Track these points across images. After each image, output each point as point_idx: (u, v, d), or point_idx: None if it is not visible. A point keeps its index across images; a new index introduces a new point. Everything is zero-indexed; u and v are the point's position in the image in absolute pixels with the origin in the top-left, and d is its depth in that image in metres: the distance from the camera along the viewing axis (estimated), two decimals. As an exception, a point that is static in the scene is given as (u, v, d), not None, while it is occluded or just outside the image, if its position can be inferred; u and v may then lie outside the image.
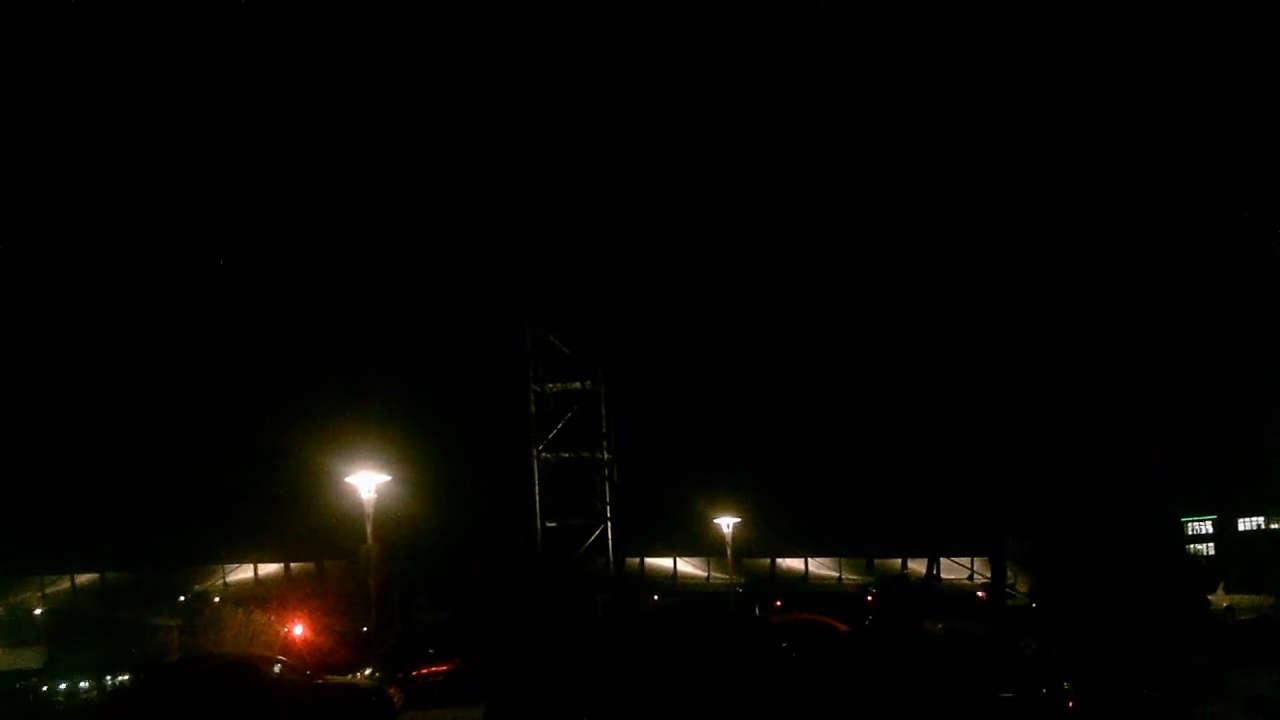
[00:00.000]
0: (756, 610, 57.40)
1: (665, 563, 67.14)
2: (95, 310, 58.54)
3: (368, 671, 39.37)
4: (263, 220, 58.92)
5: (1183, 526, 65.43)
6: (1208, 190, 53.76)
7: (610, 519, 61.29)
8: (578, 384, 61.94)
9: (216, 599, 58.77)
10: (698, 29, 54.85)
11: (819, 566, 66.92)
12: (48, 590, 61.77)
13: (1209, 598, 49.10)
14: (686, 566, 67.12)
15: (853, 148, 57.17)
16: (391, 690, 34.45)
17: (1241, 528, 64.77)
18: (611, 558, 61.05)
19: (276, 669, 32.88)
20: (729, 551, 59.84)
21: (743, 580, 62.58)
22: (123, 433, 57.97)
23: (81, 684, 40.64)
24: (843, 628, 38.84)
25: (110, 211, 58.19)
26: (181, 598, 58.37)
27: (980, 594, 56.11)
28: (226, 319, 58.47)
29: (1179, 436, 57.34)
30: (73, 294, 58.54)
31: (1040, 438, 55.65)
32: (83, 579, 62.20)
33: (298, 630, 48.63)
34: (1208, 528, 65.66)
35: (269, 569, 63.41)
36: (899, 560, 64.27)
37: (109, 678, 42.66)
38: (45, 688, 39.44)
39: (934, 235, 56.35)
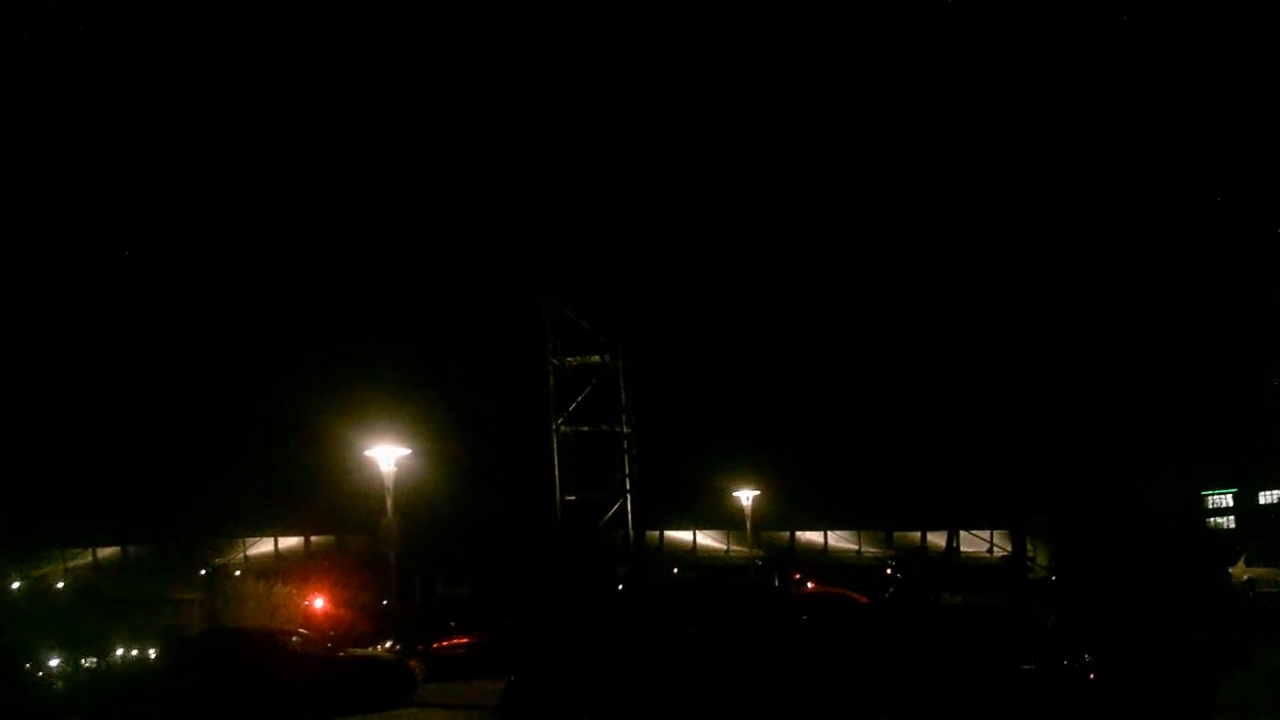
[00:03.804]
0: (776, 582, 57.45)
1: (685, 535, 67.12)
2: (121, 282, 58.69)
3: (388, 644, 39.44)
4: (285, 194, 59.05)
5: (1203, 500, 65.22)
6: (1223, 166, 53.65)
7: (630, 492, 61.29)
8: (597, 357, 61.89)
9: (238, 572, 59.06)
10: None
11: (838, 539, 66.83)
12: (70, 564, 61.95)
13: (1230, 571, 49.05)
14: (706, 539, 67.09)
15: (874, 125, 57.10)
16: (413, 662, 34.52)
17: (1263, 501, 64.60)
18: (631, 531, 61.09)
19: (297, 641, 33.01)
20: (748, 524, 59.86)
21: (762, 553, 62.59)
22: (146, 406, 58.10)
23: (89, 660, 40.87)
24: (862, 600, 38.87)
25: (132, 185, 58.36)
26: (203, 571, 58.59)
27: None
28: (250, 294, 58.55)
29: (1200, 409, 57.15)
30: (100, 266, 58.74)
31: (1061, 411, 55.55)
32: (105, 553, 62.36)
33: (318, 603, 48.84)
34: (1229, 501, 65.47)
35: (289, 542, 63.48)
36: (918, 533, 64.21)
37: (121, 651, 42.93)
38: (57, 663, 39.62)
39: (956, 208, 56.27)
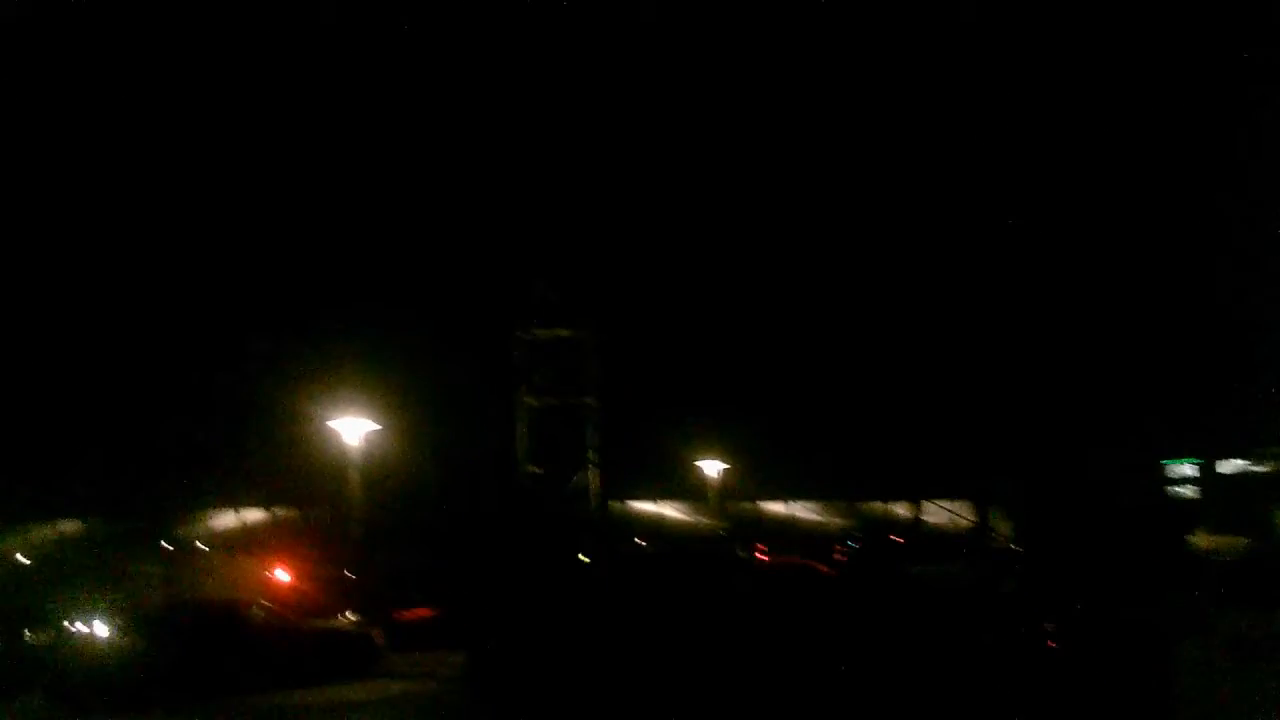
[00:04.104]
0: (739, 553, 57.61)
1: (650, 507, 67.24)
2: (83, 254, 58.35)
3: (351, 615, 39.45)
4: (246, 166, 58.76)
5: (1164, 469, 65.48)
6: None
7: (596, 464, 61.39)
8: (565, 330, 61.93)
9: (200, 544, 58.90)
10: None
11: (803, 511, 67.04)
12: (30, 538, 61.61)
13: (1190, 539, 49.35)
14: (671, 511, 67.23)
15: (829, 94, 57.24)
16: (375, 633, 34.57)
17: (1225, 470, 64.93)
18: (596, 502, 61.24)
19: (260, 612, 32.98)
20: (713, 497, 60.08)
21: (727, 525, 62.75)
22: (110, 378, 57.80)
23: (53, 633, 40.59)
24: (826, 570, 38.98)
25: (93, 155, 58.07)
26: (165, 544, 58.35)
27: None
28: (214, 265, 58.26)
29: (1163, 379, 57.41)
30: (60, 236, 58.37)
31: (1023, 381, 55.84)
32: (67, 526, 62.07)
33: (281, 575, 48.67)
34: (1190, 470, 65.76)
35: (252, 515, 63.30)
36: (882, 504, 64.48)
37: (84, 624, 42.70)
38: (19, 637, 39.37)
39: (915, 174, 56.47)
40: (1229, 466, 63.57)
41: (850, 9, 54.92)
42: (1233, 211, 52.95)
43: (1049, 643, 22.88)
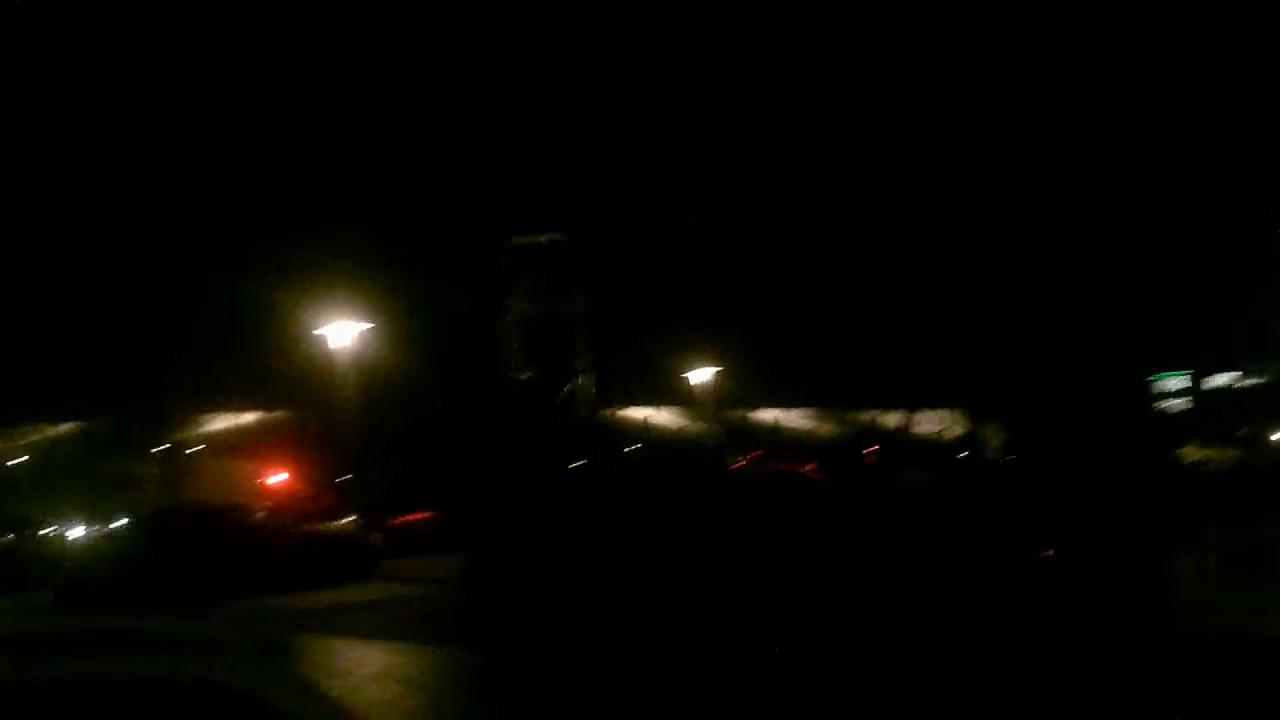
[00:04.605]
0: (728, 460, 57.90)
1: (640, 414, 67.45)
2: (81, 163, 58.29)
3: (349, 519, 39.68)
4: (244, 72, 58.61)
5: (1153, 382, 65.87)
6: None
7: (585, 371, 61.54)
8: (554, 235, 61.82)
9: (196, 448, 59.08)
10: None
11: (795, 418, 67.30)
12: (27, 439, 61.75)
13: (1181, 452, 49.74)
14: (662, 417, 67.45)
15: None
16: (374, 537, 34.80)
17: (1216, 384, 65.23)
18: (590, 409, 61.44)
19: (259, 516, 33.17)
20: (705, 402, 60.29)
21: (719, 431, 63.04)
22: (103, 279, 57.77)
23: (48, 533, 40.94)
24: (817, 477, 39.18)
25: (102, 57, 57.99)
26: (161, 447, 58.53)
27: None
28: (208, 170, 58.14)
29: (1153, 293, 57.62)
30: (60, 144, 58.32)
31: (1015, 292, 55.95)
32: (63, 428, 62.20)
33: (277, 479, 48.91)
34: (1181, 384, 66.11)
35: (248, 418, 63.44)
36: (875, 412, 64.71)
37: (80, 527, 43.01)
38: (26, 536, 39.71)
39: (899, 75, 56.38)
40: (1219, 380, 63.97)
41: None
42: (1228, 126, 52.98)
43: (1040, 553, 23.05)
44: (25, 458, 59.89)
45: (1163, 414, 61.95)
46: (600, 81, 58.74)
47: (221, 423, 63.08)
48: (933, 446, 59.71)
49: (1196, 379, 65.45)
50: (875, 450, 56.27)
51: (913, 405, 62.33)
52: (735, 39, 59.03)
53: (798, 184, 59.78)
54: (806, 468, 52.29)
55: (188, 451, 58.27)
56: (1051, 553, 22.63)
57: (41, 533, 40.56)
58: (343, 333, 38.93)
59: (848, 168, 58.76)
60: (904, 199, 57.85)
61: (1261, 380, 62.47)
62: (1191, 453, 49.51)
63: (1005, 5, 54.26)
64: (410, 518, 40.02)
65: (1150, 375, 64.79)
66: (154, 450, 57.69)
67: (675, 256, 59.82)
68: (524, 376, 61.55)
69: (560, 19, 58.14)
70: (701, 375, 59.92)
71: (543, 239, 62.05)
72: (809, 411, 66.96)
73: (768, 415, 67.53)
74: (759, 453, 53.24)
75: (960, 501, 31.46)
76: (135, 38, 58.09)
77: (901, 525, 23.34)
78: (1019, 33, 54.48)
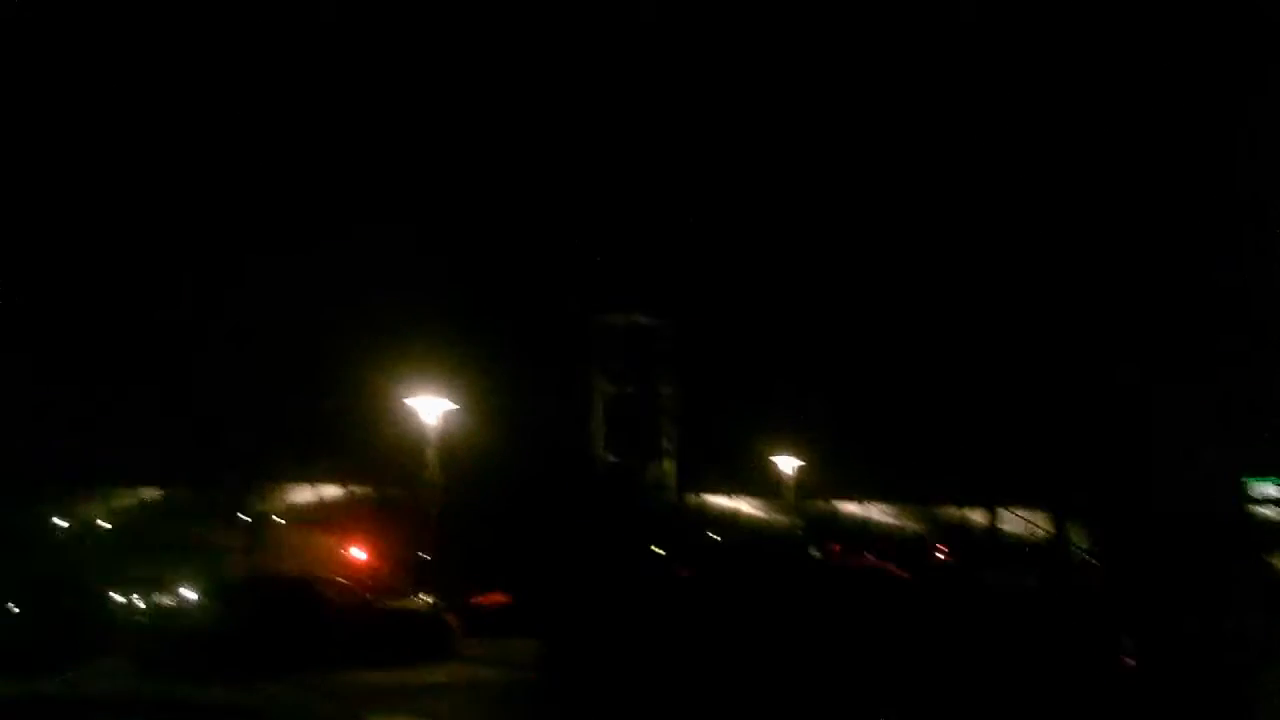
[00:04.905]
0: (814, 553, 57.38)
1: (725, 501, 67.18)
2: (170, 228, 59.05)
3: (427, 597, 39.61)
4: (339, 141, 59.25)
5: (1246, 486, 64.70)
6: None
7: (671, 455, 61.34)
8: (642, 318, 61.90)
9: (279, 519, 59.38)
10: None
11: (878, 512, 66.78)
12: (114, 505, 62.35)
13: (1270, 560, 48.81)
14: (745, 506, 67.14)
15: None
16: (451, 617, 34.68)
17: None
18: (672, 494, 61.17)
19: (337, 590, 33.22)
20: (789, 493, 59.96)
21: (802, 523, 62.60)
22: (191, 348, 58.42)
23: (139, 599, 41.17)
24: (902, 574, 38.72)
25: (172, 108, 58.82)
26: (245, 516, 58.93)
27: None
28: (299, 243, 58.71)
29: (1248, 394, 56.76)
30: (148, 202, 59.11)
31: (1108, 389, 55.31)
32: (148, 494, 62.77)
33: (358, 553, 49.01)
34: (1274, 490, 64.91)
35: (330, 491, 63.75)
36: (958, 509, 64.07)
37: (163, 594, 43.27)
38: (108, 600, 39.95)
39: (999, 190, 56.18)
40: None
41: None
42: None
43: (1125, 659, 22.65)
44: (108, 523, 60.52)
45: (1255, 518, 60.73)
46: (694, 162, 58.97)
47: (304, 495, 63.43)
48: (1017, 545, 58.95)
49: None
50: (945, 549, 55.70)
51: (998, 502, 61.60)
52: (838, 131, 59.12)
53: (890, 280, 59.62)
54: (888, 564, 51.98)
55: (270, 522, 58.57)
56: (1134, 656, 22.22)
57: (122, 598, 40.76)
58: (428, 409, 39.01)
59: (943, 266, 58.56)
60: (998, 296, 57.47)
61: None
62: (1280, 561, 48.63)
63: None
64: (488, 598, 39.92)
65: (1242, 479, 63.67)
66: (236, 519, 58.08)
67: (764, 341, 59.74)
68: (609, 459, 61.43)
69: (650, 102, 58.42)
70: (786, 464, 59.64)
71: (631, 320, 62.16)
72: (891, 506, 66.44)
73: (851, 507, 67.05)
74: (837, 546, 52.83)
75: (1044, 601, 31.01)
76: (243, 102, 59.01)
77: (985, 624, 23.03)
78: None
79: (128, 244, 58.37)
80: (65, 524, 59.82)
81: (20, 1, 55.58)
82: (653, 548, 48.15)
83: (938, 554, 53.55)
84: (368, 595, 35.06)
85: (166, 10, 58.59)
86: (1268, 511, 63.07)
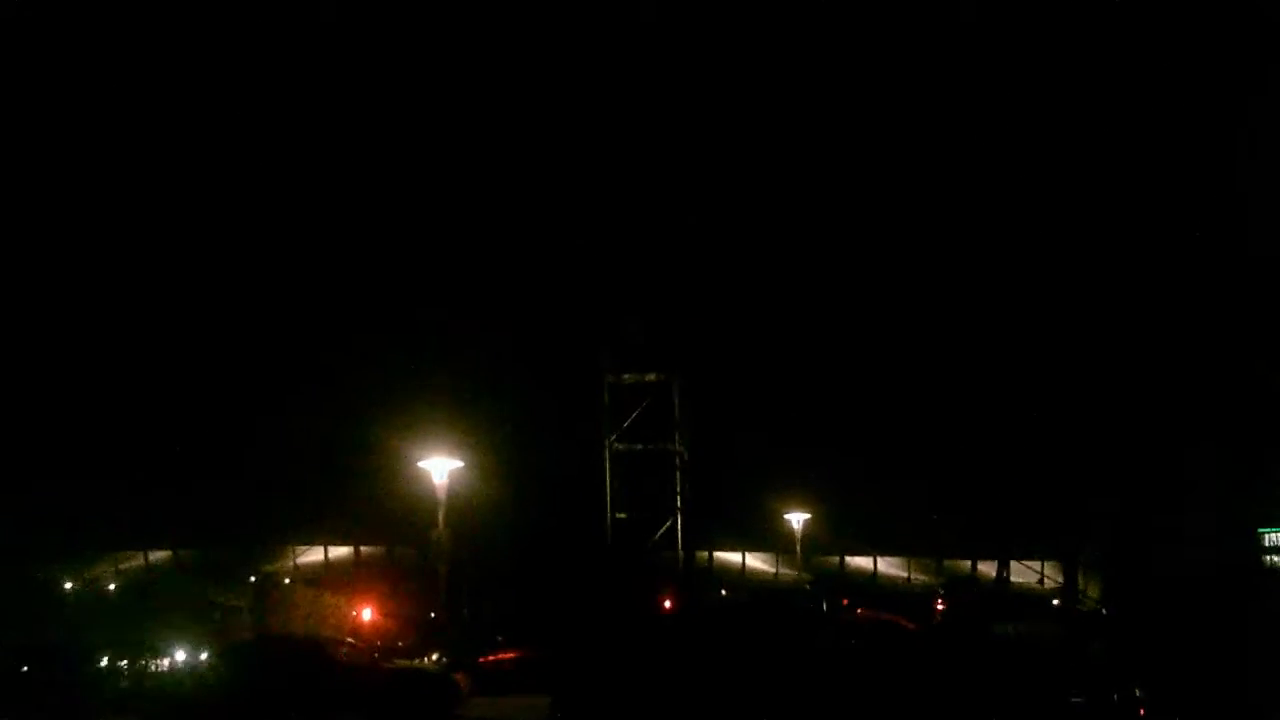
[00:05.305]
0: (824, 607, 57.20)
1: (734, 557, 67.04)
2: (179, 285, 59.24)
3: (435, 657, 39.56)
4: (340, 200, 59.43)
5: (1260, 537, 64.43)
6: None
7: (681, 511, 61.19)
8: (652, 375, 61.85)
9: (286, 580, 59.32)
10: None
11: (887, 566, 66.63)
12: (121, 566, 62.36)
13: (1281, 611, 48.50)
14: (755, 561, 67.02)
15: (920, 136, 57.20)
16: (459, 676, 34.59)
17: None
18: (681, 551, 60.99)
19: (344, 651, 33.14)
20: (798, 548, 59.88)
21: (811, 577, 62.44)
22: (199, 410, 58.52)
23: (139, 663, 41.14)
24: (911, 626, 38.59)
25: (174, 178, 59.07)
26: (252, 578, 58.90)
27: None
28: (308, 299, 58.87)
29: (1261, 443, 56.57)
30: (157, 270, 59.28)
31: (1116, 443, 55.18)
32: (156, 556, 62.77)
33: (366, 614, 48.95)
34: (1286, 539, 64.63)
35: (339, 551, 63.71)
36: (968, 562, 63.93)
37: (170, 656, 43.23)
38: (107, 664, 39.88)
39: (1003, 230, 56.21)
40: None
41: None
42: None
43: (1139, 710, 22.55)
44: (115, 585, 60.52)
45: (1268, 569, 60.42)
46: (701, 220, 59.07)
47: (313, 555, 63.41)
48: (1029, 597, 58.75)
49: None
50: (942, 602, 55.47)
51: (1009, 555, 61.41)
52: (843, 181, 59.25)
53: (895, 335, 59.65)
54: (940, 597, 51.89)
55: (279, 583, 58.50)
56: (1147, 707, 22.12)
57: (130, 661, 40.71)
58: (437, 469, 38.98)
59: (944, 322, 58.61)
60: (1003, 351, 57.46)
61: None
62: (1297, 611, 48.21)
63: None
64: (497, 656, 39.84)
65: (1256, 529, 63.41)
66: (245, 580, 58.05)
67: (774, 397, 59.72)
68: (619, 516, 61.24)
69: (664, 158, 58.59)
70: (796, 520, 59.58)
71: (642, 378, 62.10)
72: (903, 560, 66.29)
73: (862, 562, 66.90)
74: (845, 600, 52.68)
75: (1054, 652, 30.88)
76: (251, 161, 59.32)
77: (994, 675, 22.99)
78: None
79: (127, 301, 58.55)
80: (70, 585, 59.79)
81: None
82: (662, 605, 48.03)
83: (937, 605, 53.30)
84: (375, 655, 34.98)
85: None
86: (1281, 561, 62.81)
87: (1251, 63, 50.78)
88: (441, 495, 38.22)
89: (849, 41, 56.19)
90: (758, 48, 56.32)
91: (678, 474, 62.12)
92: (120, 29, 56.25)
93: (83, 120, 57.34)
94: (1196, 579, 46.70)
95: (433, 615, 44.85)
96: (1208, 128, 53.53)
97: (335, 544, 63.50)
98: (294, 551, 63.22)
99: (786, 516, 59.80)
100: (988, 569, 62.92)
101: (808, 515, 59.52)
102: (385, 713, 29.15)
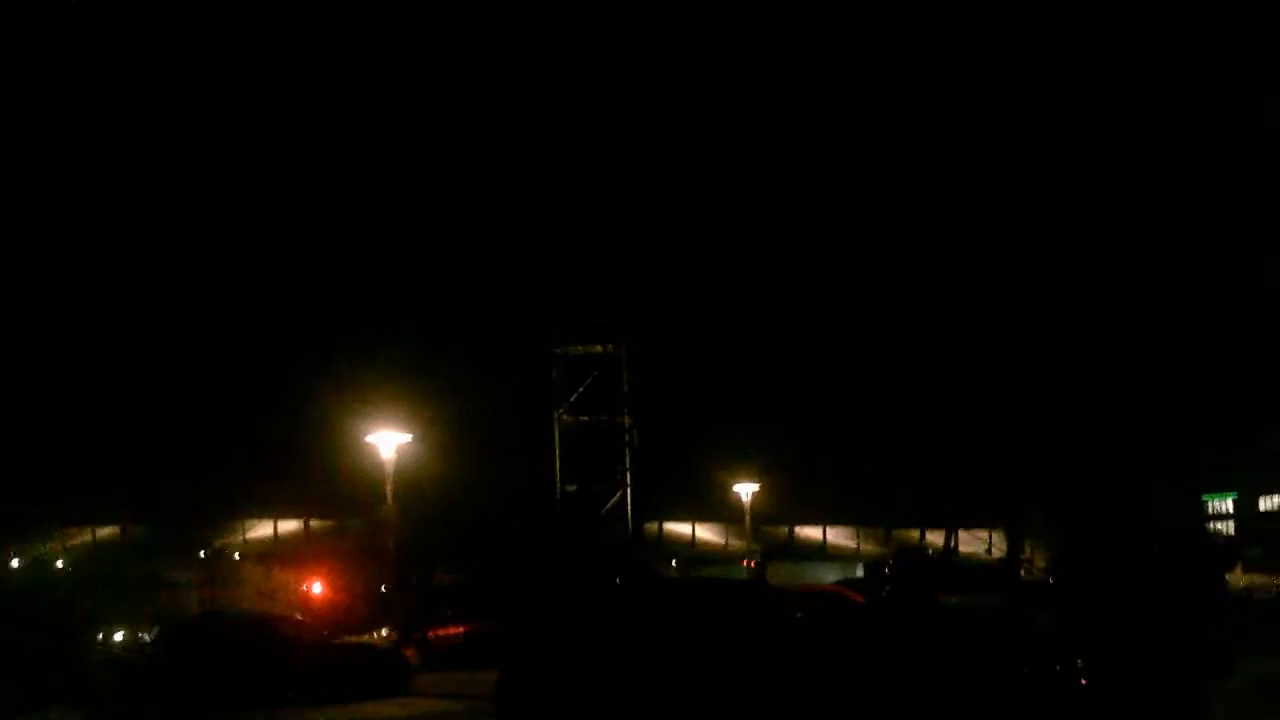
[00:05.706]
0: (766, 579, 57.51)
1: (684, 529, 67.25)
2: (122, 261, 58.87)
3: (384, 631, 39.53)
4: (288, 176, 59.17)
5: (1203, 504, 65.15)
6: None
7: (630, 484, 61.26)
8: (599, 347, 61.82)
9: (236, 555, 59.16)
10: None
11: (836, 536, 66.98)
12: (69, 543, 62.07)
13: (1227, 577, 48.99)
14: (705, 533, 67.24)
15: (872, 118, 57.23)
16: (408, 651, 34.62)
17: (1262, 507, 64.46)
18: (630, 523, 61.07)
19: (293, 627, 33.13)
20: (747, 519, 60.09)
21: (760, 548, 62.71)
22: (145, 385, 58.23)
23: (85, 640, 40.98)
24: (857, 598, 38.79)
25: (138, 158, 58.71)
26: (201, 553, 58.69)
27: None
28: (252, 274, 58.62)
29: (1202, 413, 57.12)
30: (98, 245, 58.88)
31: (1060, 409, 55.53)
32: (103, 532, 62.48)
33: (316, 588, 48.85)
34: (1228, 506, 65.35)
35: (288, 526, 63.59)
36: (917, 531, 64.31)
37: (117, 633, 43.08)
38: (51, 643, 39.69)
39: (959, 205, 56.31)
40: (1268, 503, 63.23)
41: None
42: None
43: (1081, 679, 22.72)
44: (62, 562, 60.25)
45: (1211, 536, 61.13)
46: (648, 191, 59.06)
47: (263, 530, 63.24)
48: (976, 566, 59.09)
49: (1244, 502, 64.69)
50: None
51: (956, 524, 61.78)
52: (791, 151, 59.25)
53: (844, 306, 59.81)
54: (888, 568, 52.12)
55: (228, 558, 58.38)
56: (1089, 675, 22.33)
57: (79, 638, 40.54)
58: (385, 443, 38.92)
59: (895, 289, 58.75)
60: (951, 319, 57.66)
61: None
62: (1237, 577, 48.81)
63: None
64: (446, 630, 39.80)
65: (1200, 496, 64.13)
66: (193, 556, 57.85)
67: (722, 368, 59.86)
68: (568, 488, 61.22)
69: (618, 131, 58.50)
70: (744, 491, 59.80)
71: (590, 349, 62.00)
72: (850, 529, 66.64)
73: (811, 532, 67.21)
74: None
75: (1000, 622, 31.11)
76: (194, 129, 58.97)
77: (940, 646, 23.09)
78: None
79: (73, 278, 58.22)
80: (17, 563, 59.46)
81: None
82: (610, 578, 48.07)
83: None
84: (324, 631, 34.97)
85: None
86: (1224, 527, 63.54)
87: (1250, 63, 51.18)
88: (389, 469, 38.19)
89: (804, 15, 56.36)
90: (706, 22, 56.32)
91: (627, 446, 62.17)
92: (120, 29, 56.11)
93: (54, 113, 57.24)
94: (1142, 547, 47.16)
95: (383, 589, 44.79)
96: (1166, 129, 54.03)
97: (285, 518, 63.35)
98: (244, 526, 63.04)
99: (736, 488, 60.01)
100: (936, 538, 63.29)
101: (756, 486, 59.72)
102: (334, 689, 29.14)
